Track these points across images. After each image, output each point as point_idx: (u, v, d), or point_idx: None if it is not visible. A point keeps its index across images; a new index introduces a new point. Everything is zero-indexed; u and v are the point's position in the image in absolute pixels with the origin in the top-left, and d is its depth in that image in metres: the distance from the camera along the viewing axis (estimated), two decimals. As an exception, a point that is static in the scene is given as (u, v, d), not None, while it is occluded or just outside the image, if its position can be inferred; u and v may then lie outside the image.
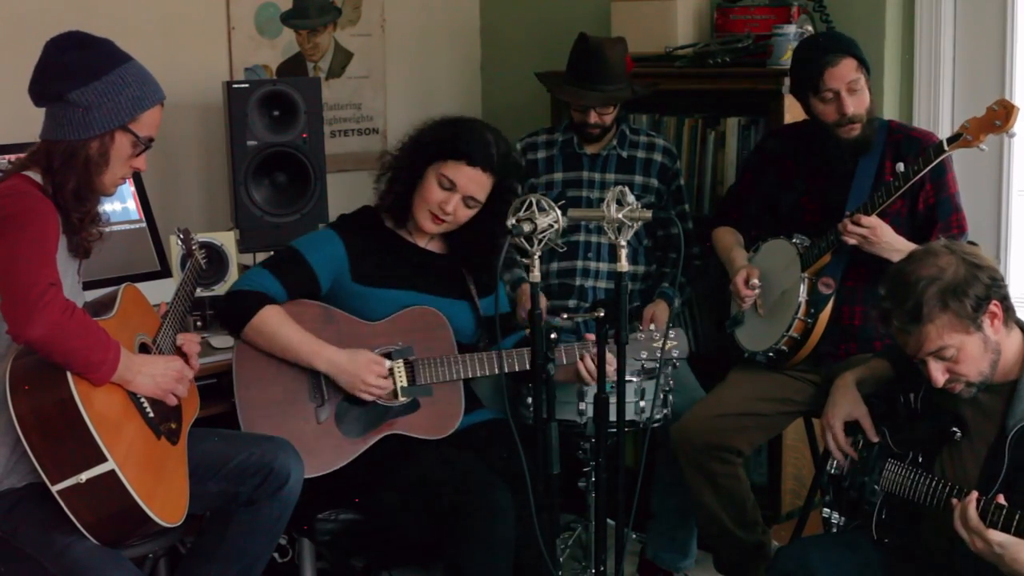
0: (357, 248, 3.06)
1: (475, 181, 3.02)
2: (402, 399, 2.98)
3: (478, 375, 3.00)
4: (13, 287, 2.36)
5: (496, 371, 2.97)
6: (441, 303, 3.07)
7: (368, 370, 2.93)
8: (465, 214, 3.06)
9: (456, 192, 3.02)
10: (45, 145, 2.55)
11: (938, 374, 2.51)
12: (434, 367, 2.99)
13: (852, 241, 3.11)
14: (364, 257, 3.06)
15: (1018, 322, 2.59)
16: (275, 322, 2.93)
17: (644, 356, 3.04)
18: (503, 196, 3.08)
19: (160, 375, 2.61)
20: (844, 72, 3.17)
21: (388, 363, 2.97)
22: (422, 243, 3.15)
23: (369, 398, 2.95)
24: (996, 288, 2.51)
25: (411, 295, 3.06)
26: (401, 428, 2.98)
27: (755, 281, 3.31)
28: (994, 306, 2.49)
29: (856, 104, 3.19)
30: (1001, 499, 2.39)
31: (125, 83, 2.53)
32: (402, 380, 2.99)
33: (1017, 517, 2.34)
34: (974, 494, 2.40)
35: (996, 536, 2.34)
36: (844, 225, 3.11)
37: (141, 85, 2.57)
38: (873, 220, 3.09)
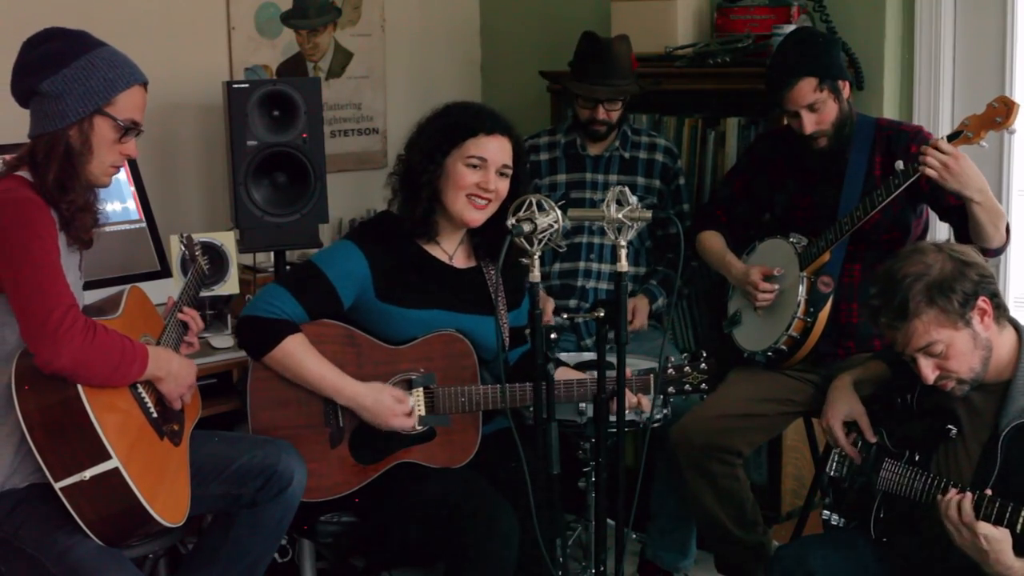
0: (381, 264, 2.97)
1: (500, 148, 2.97)
2: (419, 428, 2.94)
3: (499, 407, 2.95)
4: (30, 317, 2.37)
5: (517, 404, 2.93)
6: (466, 320, 3.00)
7: (391, 413, 2.88)
8: (504, 186, 2.98)
9: (488, 166, 2.95)
10: (32, 142, 2.55)
11: (928, 371, 2.53)
12: (454, 397, 2.93)
13: (931, 172, 2.95)
14: (388, 273, 2.97)
15: (1012, 321, 2.61)
16: (297, 354, 2.87)
17: (672, 391, 2.99)
18: (523, 160, 3.05)
19: (180, 375, 2.66)
20: (801, 95, 3.18)
21: (411, 400, 2.91)
22: (447, 255, 3.07)
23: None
24: (984, 284, 2.52)
25: (437, 314, 2.99)
26: (415, 457, 2.94)
27: (776, 272, 3.28)
28: (983, 302, 2.51)
29: (817, 121, 3.21)
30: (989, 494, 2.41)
31: (95, 67, 2.52)
32: (420, 409, 2.94)
33: (1010, 510, 2.35)
34: (969, 494, 2.42)
35: (984, 528, 2.36)
36: (925, 151, 2.96)
37: (112, 68, 2.54)
38: (954, 148, 2.96)
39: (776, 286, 3.29)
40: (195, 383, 2.74)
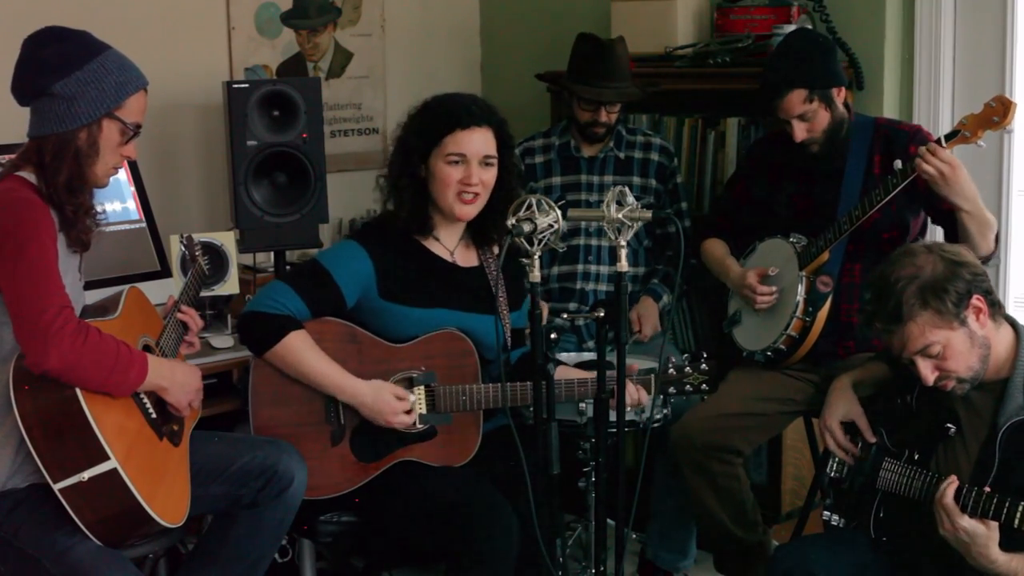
0: (384, 263, 2.97)
1: (480, 140, 2.95)
2: (420, 426, 2.94)
3: (499, 406, 2.95)
4: (22, 316, 2.37)
5: (518, 403, 2.93)
6: (469, 318, 3.00)
7: (391, 410, 2.88)
8: (489, 176, 2.97)
9: (469, 160, 2.93)
10: (35, 142, 2.54)
11: (927, 372, 2.53)
12: (455, 396, 2.93)
13: (929, 172, 2.94)
14: (392, 273, 2.97)
15: (1008, 318, 2.62)
16: (299, 351, 2.87)
17: (672, 391, 2.99)
18: (509, 146, 3.03)
19: (186, 384, 2.66)
20: (790, 106, 3.19)
21: (412, 399, 2.91)
22: (448, 251, 3.06)
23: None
24: (978, 283, 2.53)
25: (440, 313, 2.99)
26: (416, 455, 2.94)
27: (771, 272, 3.27)
28: (977, 300, 2.51)
29: (808, 130, 3.22)
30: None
31: (107, 70, 2.53)
32: (421, 408, 2.94)
33: (995, 501, 2.36)
34: (953, 477, 2.44)
35: (965, 522, 2.38)
36: (923, 152, 2.95)
37: (123, 71, 2.56)
38: (953, 157, 2.95)
39: (774, 288, 3.29)
40: (202, 387, 2.73)
